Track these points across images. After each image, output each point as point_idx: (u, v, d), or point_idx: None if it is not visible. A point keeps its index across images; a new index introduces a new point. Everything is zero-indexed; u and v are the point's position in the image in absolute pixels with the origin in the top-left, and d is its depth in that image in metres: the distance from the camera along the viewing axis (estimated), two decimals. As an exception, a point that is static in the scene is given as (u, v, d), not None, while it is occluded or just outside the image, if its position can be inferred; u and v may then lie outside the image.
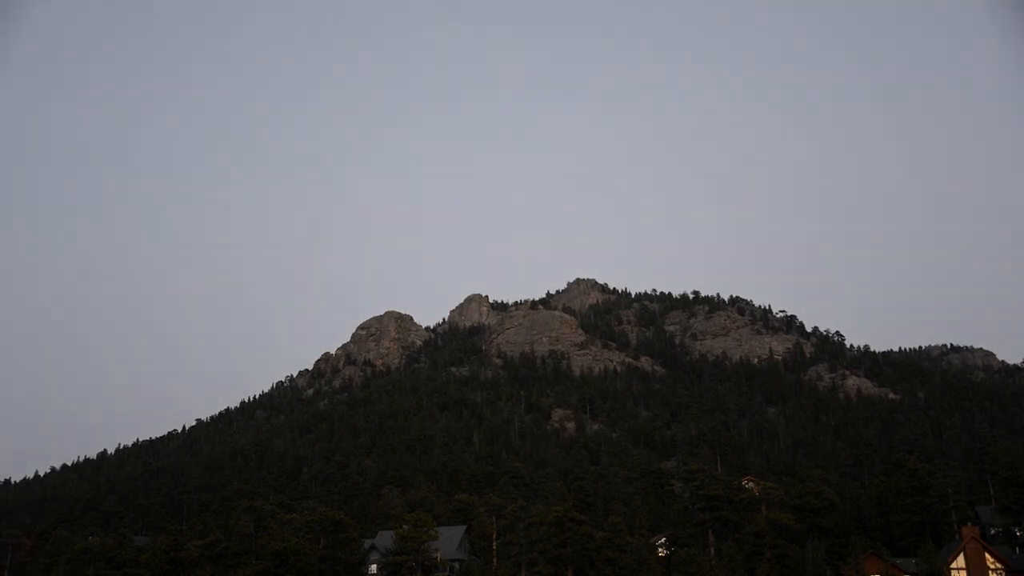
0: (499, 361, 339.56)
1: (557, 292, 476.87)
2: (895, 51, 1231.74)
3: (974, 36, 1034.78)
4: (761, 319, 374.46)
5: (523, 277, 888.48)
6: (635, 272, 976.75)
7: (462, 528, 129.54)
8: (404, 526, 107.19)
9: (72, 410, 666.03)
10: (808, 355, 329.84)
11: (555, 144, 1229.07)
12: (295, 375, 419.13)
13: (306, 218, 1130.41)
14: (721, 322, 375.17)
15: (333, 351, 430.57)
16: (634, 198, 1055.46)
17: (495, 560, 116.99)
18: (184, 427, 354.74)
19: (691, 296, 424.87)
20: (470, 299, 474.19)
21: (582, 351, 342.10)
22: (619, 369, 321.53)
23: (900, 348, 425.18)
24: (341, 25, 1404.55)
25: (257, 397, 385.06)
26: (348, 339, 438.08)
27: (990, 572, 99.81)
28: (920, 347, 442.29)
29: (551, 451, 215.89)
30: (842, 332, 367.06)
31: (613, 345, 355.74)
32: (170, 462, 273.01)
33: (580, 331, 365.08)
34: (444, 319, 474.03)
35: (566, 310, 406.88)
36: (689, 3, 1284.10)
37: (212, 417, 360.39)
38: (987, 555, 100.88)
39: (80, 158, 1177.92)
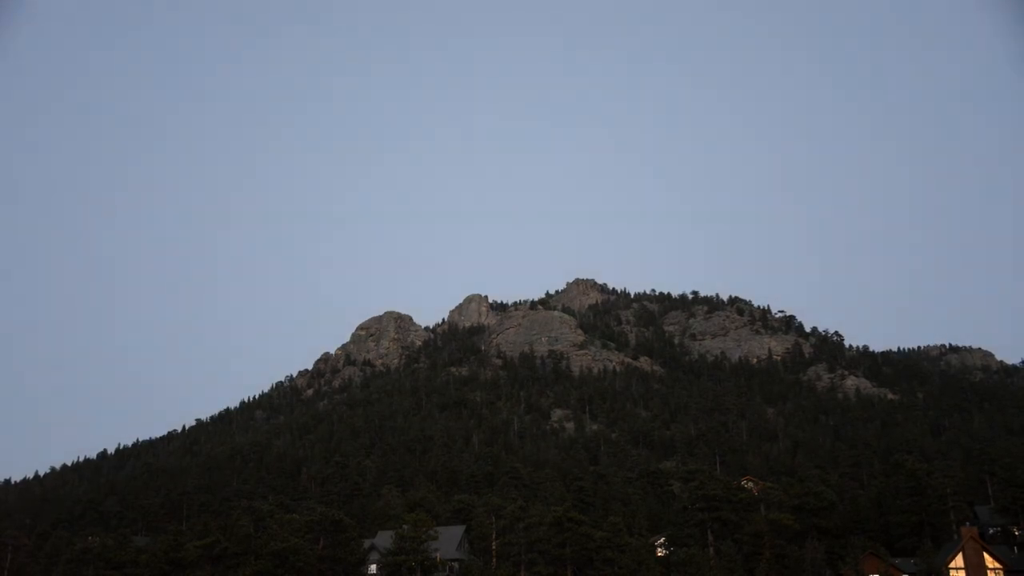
0: (498, 361, 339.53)
1: (556, 292, 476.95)
2: (895, 51, 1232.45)
3: (974, 36, 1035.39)
4: (760, 319, 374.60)
5: (522, 277, 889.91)
6: (634, 272, 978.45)
7: (461, 528, 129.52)
8: (403, 526, 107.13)
9: (72, 410, 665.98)
10: (807, 355, 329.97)
11: (555, 144, 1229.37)
12: (295, 375, 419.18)
13: (306, 218, 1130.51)
14: (720, 322, 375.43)
15: (333, 351, 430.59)
16: (633, 198, 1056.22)
17: (495, 560, 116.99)
18: (184, 427, 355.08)
19: (690, 296, 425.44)
20: (469, 299, 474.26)
21: (581, 351, 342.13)
22: (618, 369, 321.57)
23: (899, 348, 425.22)
24: (344, 26, 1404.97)
25: (257, 397, 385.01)
26: (348, 339, 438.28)
27: (989, 572, 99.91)
28: (919, 347, 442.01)
29: (550, 451, 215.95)
30: (841, 332, 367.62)
31: (612, 345, 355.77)
32: (170, 462, 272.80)
33: (579, 331, 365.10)
34: (444, 319, 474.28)
35: (565, 310, 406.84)
36: (688, 4, 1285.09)
37: (212, 417, 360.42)
38: (986, 555, 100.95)
39: (81, 158, 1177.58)
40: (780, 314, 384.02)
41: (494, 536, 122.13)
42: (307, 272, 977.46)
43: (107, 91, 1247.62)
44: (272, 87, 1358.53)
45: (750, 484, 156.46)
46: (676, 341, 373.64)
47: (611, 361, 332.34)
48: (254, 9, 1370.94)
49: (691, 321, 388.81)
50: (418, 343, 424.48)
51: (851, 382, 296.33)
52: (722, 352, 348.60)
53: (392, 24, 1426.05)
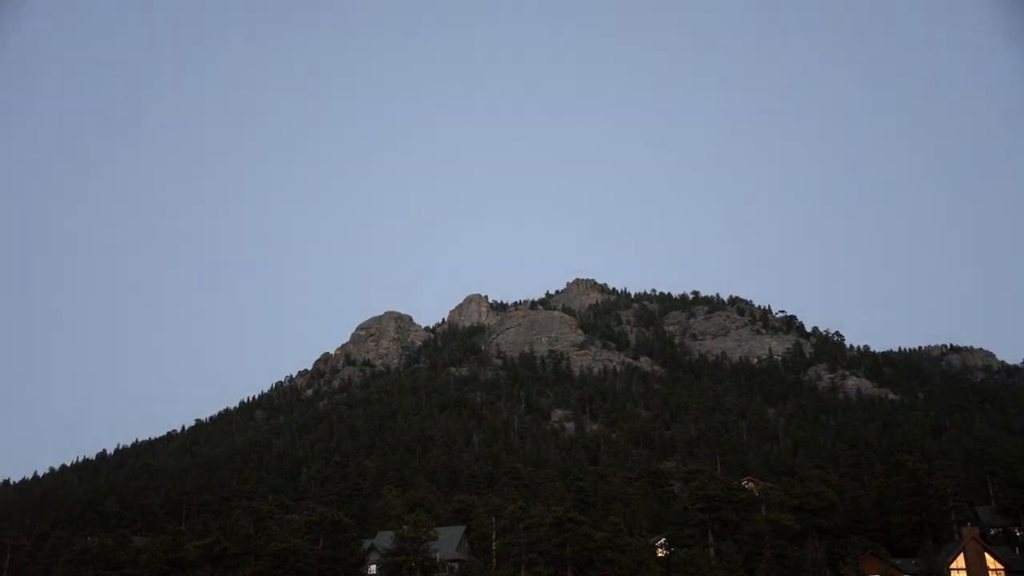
0: (499, 361, 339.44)
1: (556, 292, 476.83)
2: (895, 50, 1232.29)
3: (975, 35, 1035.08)
4: (760, 319, 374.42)
5: (522, 277, 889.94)
6: (634, 272, 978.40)
7: (461, 528, 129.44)
8: (403, 526, 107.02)
9: (72, 410, 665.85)
10: (808, 355, 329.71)
11: (554, 144, 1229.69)
12: (294, 375, 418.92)
13: (306, 217, 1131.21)
14: (720, 322, 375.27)
15: (332, 351, 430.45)
16: (634, 198, 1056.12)
17: (495, 560, 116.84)
18: (184, 427, 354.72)
19: (690, 296, 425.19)
20: (469, 299, 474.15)
21: (581, 351, 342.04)
22: (618, 369, 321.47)
23: (900, 348, 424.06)
24: (339, 25, 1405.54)
25: (256, 397, 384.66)
26: (348, 339, 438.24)
27: (990, 572, 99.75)
28: (920, 347, 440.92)
29: (551, 451, 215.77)
30: (842, 332, 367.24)
31: (612, 345, 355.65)
32: (169, 462, 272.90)
33: (579, 331, 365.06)
34: (444, 319, 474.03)
35: (565, 310, 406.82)
36: (688, 4, 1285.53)
37: (212, 417, 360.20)
38: (987, 555, 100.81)
39: (80, 158, 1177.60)
40: (780, 314, 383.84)
41: (494, 536, 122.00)
42: (307, 272, 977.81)
43: (105, 90, 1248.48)
44: (271, 85, 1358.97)
45: (751, 484, 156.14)
46: (676, 341, 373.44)
47: (611, 361, 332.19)
48: (253, 6, 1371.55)
49: (691, 321, 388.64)
50: (418, 343, 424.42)
51: (852, 382, 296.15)
52: (722, 352, 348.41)
53: (391, 21, 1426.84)
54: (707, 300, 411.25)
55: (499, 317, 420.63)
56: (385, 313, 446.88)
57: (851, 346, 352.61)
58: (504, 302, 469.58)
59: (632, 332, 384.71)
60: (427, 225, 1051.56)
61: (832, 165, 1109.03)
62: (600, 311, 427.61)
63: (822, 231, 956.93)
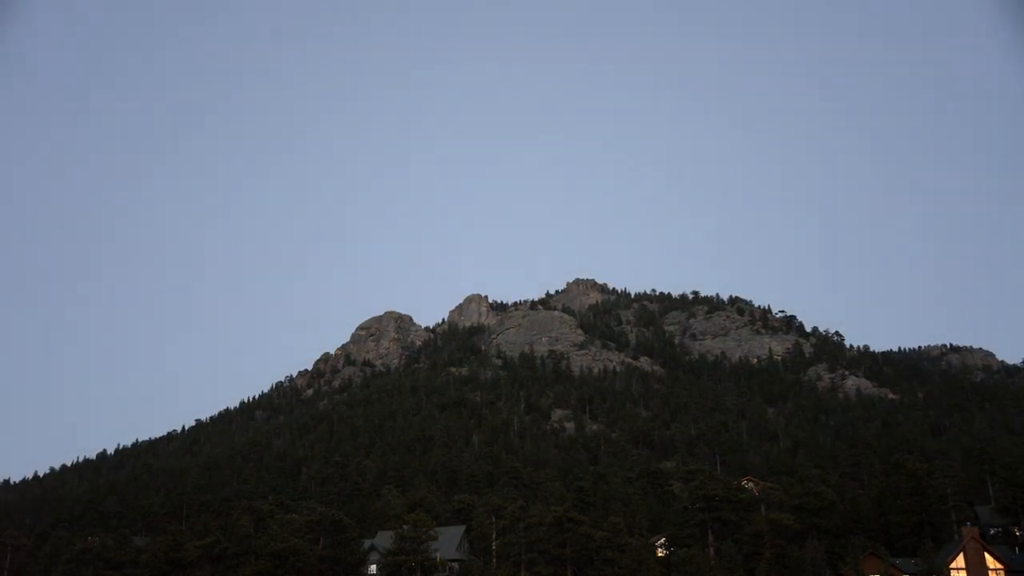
0: (498, 361, 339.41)
1: (556, 292, 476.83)
2: (895, 50, 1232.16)
3: (975, 35, 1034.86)
4: (760, 319, 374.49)
5: (522, 277, 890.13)
6: (634, 272, 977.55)
7: (461, 528, 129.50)
8: (403, 526, 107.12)
9: (72, 410, 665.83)
10: (807, 355, 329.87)
11: (555, 144, 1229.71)
12: (295, 375, 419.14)
13: (306, 218, 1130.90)
14: (720, 322, 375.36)
15: (333, 351, 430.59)
16: (634, 198, 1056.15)
17: (495, 560, 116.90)
18: (184, 427, 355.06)
19: (690, 296, 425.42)
20: (470, 299, 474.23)
21: (581, 351, 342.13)
22: (618, 369, 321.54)
23: (899, 348, 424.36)
24: (341, 26, 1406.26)
25: (257, 397, 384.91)
26: (348, 339, 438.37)
27: (990, 572, 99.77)
28: (919, 347, 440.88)
29: (550, 451, 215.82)
30: (841, 332, 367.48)
31: (612, 345, 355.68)
32: (170, 462, 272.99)
33: (579, 331, 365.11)
34: (444, 319, 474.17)
35: (565, 310, 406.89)
36: (689, 5, 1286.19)
37: (212, 417, 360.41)
38: (987, 555, 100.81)
39: (80, 159, 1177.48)
40: (780, 314, 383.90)
41: (494, 536, 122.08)
42: (307, 272, 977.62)
43: (107, 91, 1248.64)
44: (274, 88, 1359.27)
45: (750, 484, 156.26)
46: (676, 341, 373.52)
47: (611, 361, 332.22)
48: (264, 12, 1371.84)
49: (691, 321, 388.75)
50: (418, 343, 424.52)
51: (851, 382, 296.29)
52: (722, 352, 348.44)
53: (392, 24, 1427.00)
54: (707, 300, 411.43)
55: (499, 317, 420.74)
56: (385, 313, 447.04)
57: (851, 346, 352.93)
58: (504, 302, 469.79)
59: (632, 332, 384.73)
60: (427, 225, 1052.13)
61: (832, 165, 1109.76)
62: (600, 311, 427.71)
63: (822, 231, 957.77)
